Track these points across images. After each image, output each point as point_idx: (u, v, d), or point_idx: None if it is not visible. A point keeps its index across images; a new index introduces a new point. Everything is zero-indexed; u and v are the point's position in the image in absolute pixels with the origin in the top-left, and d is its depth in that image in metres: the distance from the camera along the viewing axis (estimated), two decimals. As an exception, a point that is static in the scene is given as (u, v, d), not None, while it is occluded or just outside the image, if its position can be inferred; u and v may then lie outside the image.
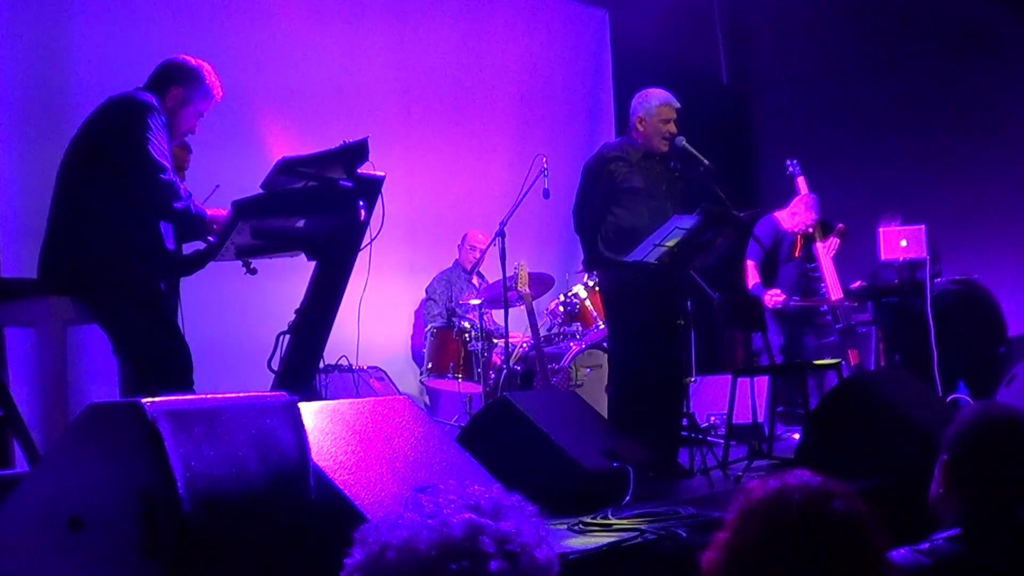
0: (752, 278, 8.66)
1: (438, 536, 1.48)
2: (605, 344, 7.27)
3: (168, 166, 4.54)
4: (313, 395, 4.84)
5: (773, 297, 8.54)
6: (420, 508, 1.53)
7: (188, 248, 4.91)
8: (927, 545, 2.75)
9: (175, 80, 4.80)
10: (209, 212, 4.69)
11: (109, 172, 4.53)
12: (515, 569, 1.46)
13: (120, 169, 4.52)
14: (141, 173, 4.49)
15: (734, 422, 6.53)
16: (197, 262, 4.81)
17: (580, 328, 8.28)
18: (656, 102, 6.30)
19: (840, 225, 9.01)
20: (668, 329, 6.16)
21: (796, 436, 7.13)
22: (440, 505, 1.53)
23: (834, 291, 8.70)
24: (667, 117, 6.29)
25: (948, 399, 7.90)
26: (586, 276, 8.24)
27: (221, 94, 4.92)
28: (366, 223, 4.70)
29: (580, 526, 4.25)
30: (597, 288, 7.67)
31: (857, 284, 9.14)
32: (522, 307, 7.97)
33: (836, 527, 1.85)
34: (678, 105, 6.33)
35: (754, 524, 1.89)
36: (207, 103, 4.88)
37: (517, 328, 8.24)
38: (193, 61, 4.87)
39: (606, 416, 6.04)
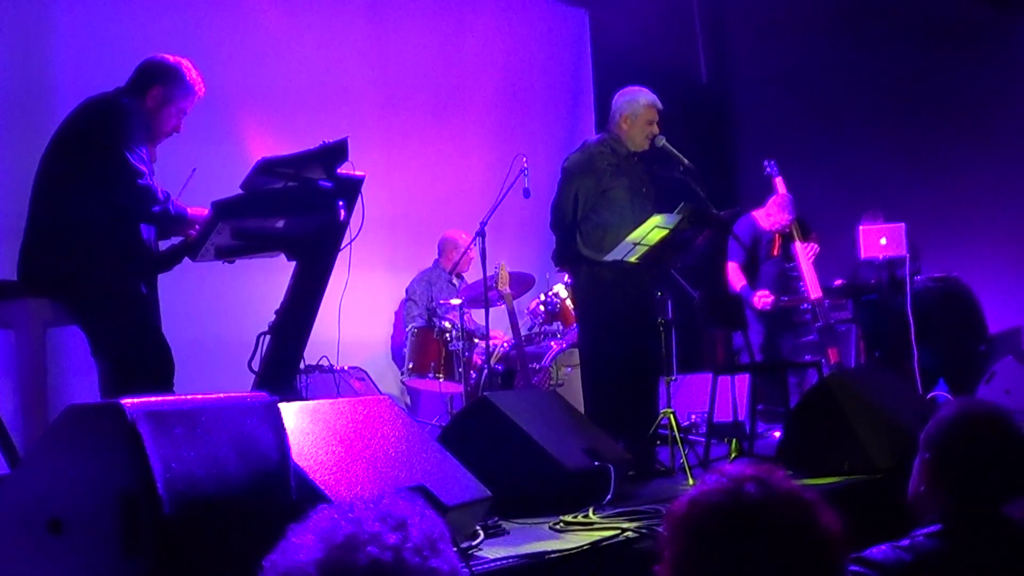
0: (738, 281, 8.61)
1: (318, 554, 1.49)
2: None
3: (146, 171, 4.53)
4: (294, 395, 4.82)
5: (762, 299, 8.51)
6: (318, 527, 1.54)
7: (164, 244, 4.89)
8: (908, 542, 2.75)
9: (155, 79, 4.77)
10: (190, 211, 4.68)
11: (87, 175, 4.51)
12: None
13: (97, 173, 4.50)
14: (118, 179, 4.48)
15: (715, 420, 6.55)
16: (173, 258, 4.80)
17: (561, 327, 8.27)
18: (644, 101, 6.30)
19: (812, 234, 8.99)
20: (643, 327, 6.16)
21: (777, 434, 7.16)
22: (337, 520, 1.53)
23: (813, 289, 8.69)
24: (652, 118, 6.29)
25: (928, 396, 7.93)
26: (567, 275, 8.22)
27: (203, 90, 4.90)
28: (346, 223, 4.69)
29: (561, 525, 4.26)
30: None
31: (838, 282, 9.15)
32: (503, 307, 7.96)
33: (750, 514, 1.81)
34: (661, 107, 6.34)
35: (681, 537, 1.87)
36: (189, 100, 4.86)
37: (498, 328, 8.24)
38: (172, 59, 4.85)
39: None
